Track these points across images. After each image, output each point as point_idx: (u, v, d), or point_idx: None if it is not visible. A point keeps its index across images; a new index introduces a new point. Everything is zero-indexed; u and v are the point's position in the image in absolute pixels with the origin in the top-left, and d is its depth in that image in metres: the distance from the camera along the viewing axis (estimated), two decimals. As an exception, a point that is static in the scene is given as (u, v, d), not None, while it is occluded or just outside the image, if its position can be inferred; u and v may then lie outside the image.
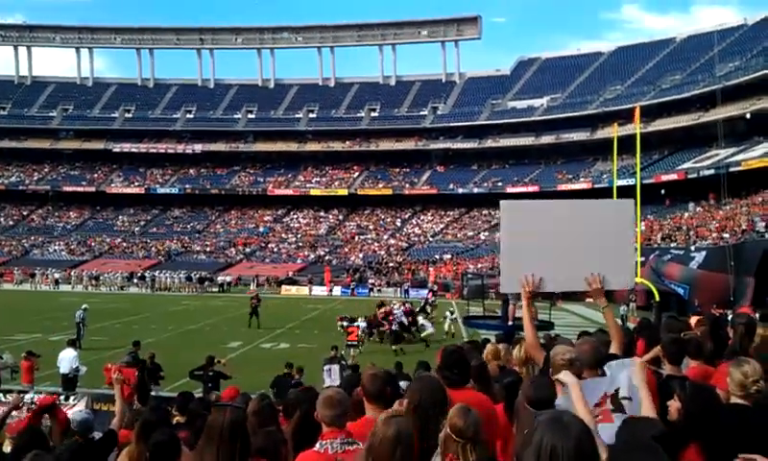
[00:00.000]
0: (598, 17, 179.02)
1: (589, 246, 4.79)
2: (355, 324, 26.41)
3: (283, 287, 57.00)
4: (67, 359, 16.88)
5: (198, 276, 59.05)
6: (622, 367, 3.90)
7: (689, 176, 55.11)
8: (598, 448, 2.21)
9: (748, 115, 53.53)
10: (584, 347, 4.67)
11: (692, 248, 38.94)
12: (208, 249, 71.18)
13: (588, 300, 31.95)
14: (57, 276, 59.76)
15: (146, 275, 60.95)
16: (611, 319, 5.07)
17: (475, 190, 70.43)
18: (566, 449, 2.08)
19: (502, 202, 5.08)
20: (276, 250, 70.36)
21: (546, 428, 2.15)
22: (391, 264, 62.43)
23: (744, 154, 52.57)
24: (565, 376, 3.82)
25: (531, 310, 4.90)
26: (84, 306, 27.31)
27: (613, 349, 4.96)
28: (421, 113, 78.38)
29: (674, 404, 3.81)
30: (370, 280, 57.40)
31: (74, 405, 13.24)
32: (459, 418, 3.35)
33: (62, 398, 14.23)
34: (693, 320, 11.99)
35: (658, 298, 28.35)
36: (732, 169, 50.96)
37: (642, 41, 76.29)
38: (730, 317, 14.28)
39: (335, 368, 17.25)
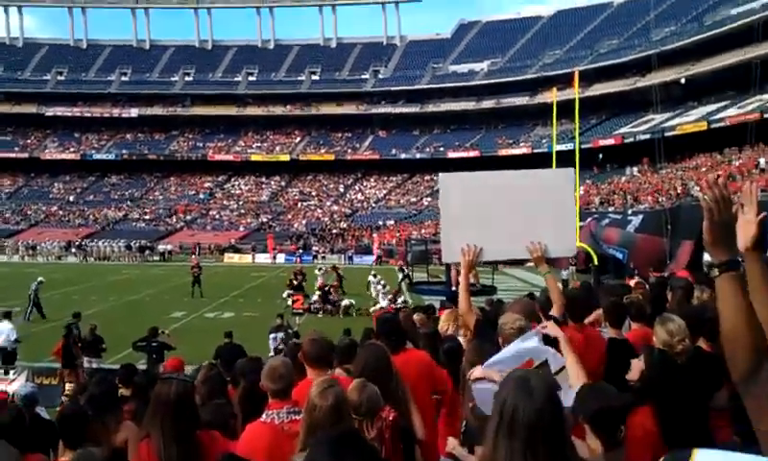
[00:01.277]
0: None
1: (530, 215, 4.86)
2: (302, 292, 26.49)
3: (226, 255, 56.49)
4: (4, 332, 16.45)
5: (137, 244, 58.04)
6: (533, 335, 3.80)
7: (626, 140, 56.28)
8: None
9: (683, 80, 54.76)
10: (515, 308, 4.80)
11: (629, 212, 39.81)
12: (148, 217, 69.90)
13: (529, 265, 32.48)
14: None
15: (84, 244, 59.65)
16: (552, 284, 5.22)
17: (417, 156, 70.59)
18: (527, 412, 2.09)
19: (441, 175, 5.21)
20: (217, 217, 69.53)
21: (512, 388, 2.17)
22: (335, 231, 62.35)
23: (679, 118, 53.86)
24: (552, 328, 3.93)
25: (468, 279, 4.99)
26: (39, 279, 26.52)
27: (554, 312, 5.12)
28: (363, 77, 77.89)
29: (638, 365, 3.91)
30: (314, 247, 57.26)
31: (14, 379, 12.98)
32: (354, 393, 3.48)
33: (1, 372, 13.93)
34: (632, 282, 12.32)
35: (596, 262, 28.99)
36: (667, 134, 52.16)
37: (580, 6, 76.99)
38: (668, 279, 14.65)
39: (280, 336, 17.32)
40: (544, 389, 2.16)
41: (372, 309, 24.71)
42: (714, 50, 51.58)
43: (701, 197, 2.23)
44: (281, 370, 3.88)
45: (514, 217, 4.85)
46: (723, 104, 50.96)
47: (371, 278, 30.63)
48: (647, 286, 10.25)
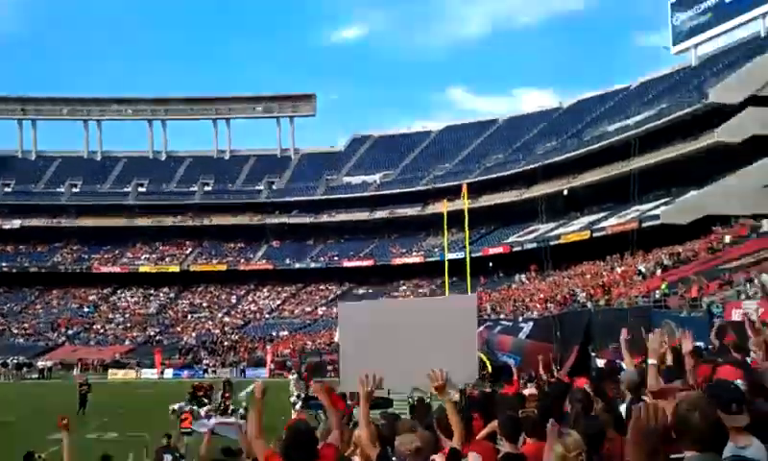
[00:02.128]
0: (426, 99, 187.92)
1: (432, 342, 4.77)
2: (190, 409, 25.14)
3: (110, 371, 53.78)
4: None
5: (15, 361, 54.59)
6: None
7: (514, 249, 57.99)
8: None
9: (566, 192, 57.26)
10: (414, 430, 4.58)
11: (520, 319, 40.61)
12: (27, 331, 66.12)
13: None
14: None
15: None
16: (452, 411, 4.96)
17: (312, 265, 70.43)
18: None
19: (340, 304, 5.28)
20: (101, 331, 66.51)
21: None
22: (226, 343, 60.64)
23: (563, 228, 56.05)
24: None
25: (367, 410, 4.73)
26: None
27: (455, 442, 4.88)
28: (257, 188, 77.84)
29: None
30: (204, 361, 55.39)
31: None
32: None
33: None
34: (527, 392, 12.25)
35: (490, 369, 29.20)
36: (552, 242, 54.15)
37: (468, 121, 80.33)
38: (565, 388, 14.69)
39: (168, 458, 16.29)
40: None
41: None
42: (594, 163, 54.38)
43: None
44: None
45: (415, 345, 4.77)
46: (604, 214, 53.46)
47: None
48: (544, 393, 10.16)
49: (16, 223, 74.43)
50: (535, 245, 56.18)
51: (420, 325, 4.84)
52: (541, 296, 46.44)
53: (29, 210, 74.70)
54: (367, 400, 4.68)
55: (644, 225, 46.00)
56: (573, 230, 54.57)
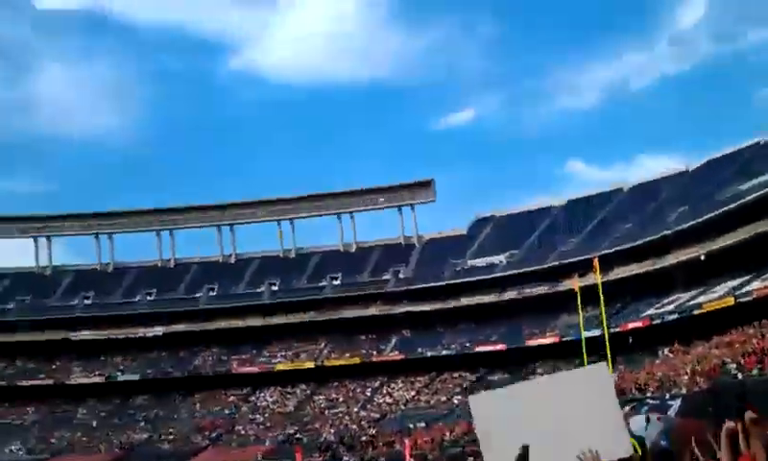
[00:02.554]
0: (545, 174, 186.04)
1: (573, 420, 4.52)
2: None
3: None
4: None
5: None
6: None
7: (654, 322, 55.51)
8: None
9: (702, 257, 54.72)
10: None
11: (667, 396, 38.56)
12: (172, 437, 68.46)
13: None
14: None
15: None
16: None
17: (443, 352, 69.86)
18: None
19: (470, 397, 4.93)
20: (242, 432, 68.00)
21: None
22: (364, 438, 60.48)
23: (704, 296, 53.37)
24: None
25: None
26: None
27: None
28: (384, 278, 78.70)
29: None
30: (344, 457, 55.36)
31: None
32: None
33: None
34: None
35: (640, 451, 27.66)
36: (694, 312, 51.56)
37: (591, 192, 78.69)
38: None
39: None
40: None
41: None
42: (731, 226, 51.95)
43: None
44: None
45: (555, 426, 4.52)
46: (747, 277, 50.63)
47: None
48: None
49: (159, 330, 78.20)
50: (676, 316, 53.66)
51: (556, 403, 4.60)
52: (688, 369, 43.95)
53: (170, 317, 78.46)
54: None
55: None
56: (716, 296, 51.86)
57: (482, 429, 4.72)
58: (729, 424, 5.20)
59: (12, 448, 68.57)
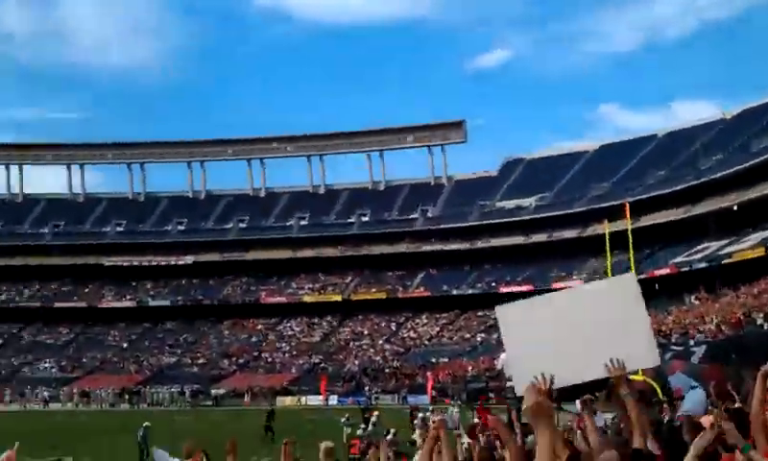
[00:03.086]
0: (578, 117, 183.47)
1: (600, 330, 4.52)
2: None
3: (278, 398, 55.97)
4: None
5: (191, 389, 58.03)
6: None
7: (682, 270, 55.29)
8: None
9: (735, 207, 54.17)
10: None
11: (691, 342, 38.61)
12: (200, 361, 70.15)
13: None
14: (46, 394, 58.60)
15: (139, 390, 59.93)
16: (633, 406, 4.63)
17: (469, 291, 70.29)
18: None
19: (497, 307, 4.84)
20: (269, 360, 69.42)
21: None
22: (387, 370, 61.56)
23: (735, 245, 52.95)
24: None
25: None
26: (145, 424, 26.50)
27: (636, 443, 4.57)
28: (412, 217, 78.95)
29: None
30: (366, 388, 56.45)
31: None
32: None
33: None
34: (705, 419, 11.60)
35: (661, 395, 27.94)
36: (723, 261, 51.27)
37: (625, 139, 77.80)
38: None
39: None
40: None
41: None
42: (764, 176, 51.20)
43: None
44: None
45: (582, 335, 4.52)
46: (779, 229, 50.12)
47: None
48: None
49: (189, 259, 79.44)
50: (704, 264, 53.40)
51: (583, 313, 4.58)
52: (714, 318, 43.93)
53: (201, 247, 79.64)
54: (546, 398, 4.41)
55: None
56: (746, 246, 51.42)
57: (508, 341, 4.73)
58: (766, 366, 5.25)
59: (46, 364, 70.75)
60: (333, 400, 54.23)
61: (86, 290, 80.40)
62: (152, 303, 78.16)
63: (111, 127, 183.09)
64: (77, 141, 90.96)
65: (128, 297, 79.12)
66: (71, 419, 43.75)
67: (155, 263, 79.99)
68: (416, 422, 28.67)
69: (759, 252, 48.78)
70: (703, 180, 57.17)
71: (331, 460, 4.94)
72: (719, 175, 55.98)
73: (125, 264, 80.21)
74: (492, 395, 41.59)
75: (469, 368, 53.60)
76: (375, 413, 31.15)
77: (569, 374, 4.58)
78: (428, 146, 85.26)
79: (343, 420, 30.83)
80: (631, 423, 4.75)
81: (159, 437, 31.92)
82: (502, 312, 4.83)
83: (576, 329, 4.54)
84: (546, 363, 4.48)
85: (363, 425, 30.15)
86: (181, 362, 70.31)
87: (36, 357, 72.39)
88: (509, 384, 16.79)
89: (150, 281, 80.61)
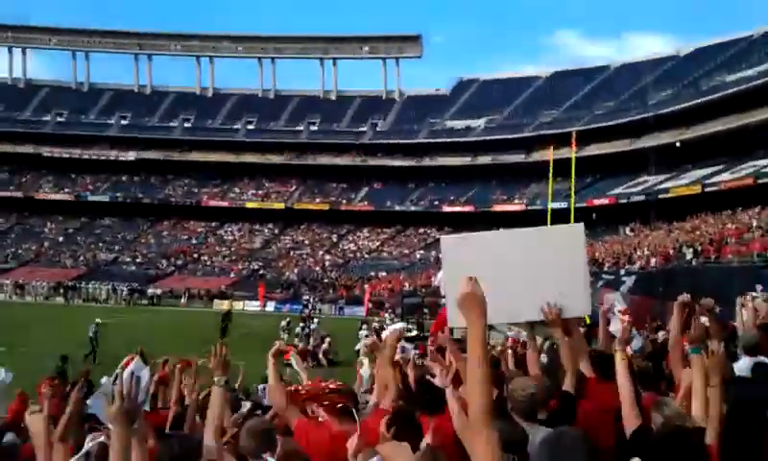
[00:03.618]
0: (534, 41, 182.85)
1: (541, 274, 4.63)
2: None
3: (215, 301, 55.97)
4: None
5: (128, 287, 57.61)
6: None
7: (620, 201, 56.40)
8: None
9: (677, 144, 55.08)
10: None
11: (622, 272, 39.61)
12: (138, 260, 69.52)
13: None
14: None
15: (75, 284, 59.22)
16: (566, 353, 4.86)
17: (412, 208, 70.68)
18: None
19: (442, 238, 4.89)
20: (208, 263, 69.18)
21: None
22: (326, 280, 62.00)
23: (673, 181, 54.08)
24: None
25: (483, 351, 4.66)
26: (97, 320, 26.27)
27: (567, 386, 4.77)
28: (361, 129, 78.35)
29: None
30: (304, 297, 56.76)
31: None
32: None
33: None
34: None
35: (588, 321, 28.76)
36: (661, 196, 52.38)
37: (578, 67, 77.91)
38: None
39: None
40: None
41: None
42: (710, 115, 52.03)
43: None
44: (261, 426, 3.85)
45: (524, 276, 4.60)
46: (717, 168, 51.22)
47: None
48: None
49: (131, 155, 77.73)
50: (642, 198, 54.51)
51: (527, 256, 4.66)
52: (646, 250, 45.09)
53: (143, 144, 77.84)
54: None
55: (760, 181, 43.81)
56: (684, 183, 52.60)
57: (449, 271, 4.76)
58: (684, 296, 5.32)
59: (-21, 254, 69.28)
60: (270, 306, 54.47)
61: (23, 180, 78.33)
62: (91, 197, 76.60)
63: (56, 12, 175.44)
64: (20, 23, 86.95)
65: (66, 189, 77.34)
66: (6, 310, 43.10)
67: (95, 157, 78.01)
68: (362, 332, 29.16)
69: (696, 189, 50.00)
70: (649, 114, 57.77)
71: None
72: (666, 111, 56.68)
73: (65, 156, 77.97)
74: (426, 311, 42.24)
75: (407, 283, 54.22)
76: (316, 320, 31.67)
77: (505, 313, 4.68)
78: (383, 58, 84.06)
79: (283, 324, 31.13)
80: (563, 364, 4.92)
81: (111, 334, 31.49)
82: (447, 243, 4.88)
83: (518, 270, 4.61)
84: (490, 297, 4.54)
85: (301, 328, 30.58)
86: (119, 260, 69.56)
87: (-31, 245, 70.79)
88: (442, 302, 17.03)
89: (90, 175, 78.76)
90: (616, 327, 5.04)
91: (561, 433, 2.94)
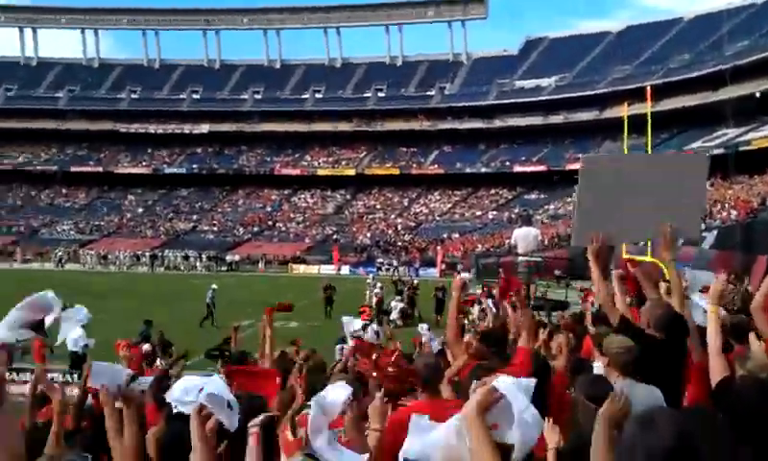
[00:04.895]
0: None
1: (663, 197, 4.86)
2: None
3: (292, 266, 57.24)
4: (74, 337, 16.83)
5: (207, 255, 59.30)
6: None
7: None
8: None
9: (757, 95, 53.37)
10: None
11: (703, 226, 38.90)
12: (216, 228, 71.37)
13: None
14: (60, 254, 59.86)
15: (156, 253, 61.26)
16: (674, 275, 4.95)
17: (482, 170, 70.43)
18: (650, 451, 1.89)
19: (582, 157, 5.25)
20: (283, 229, 70.52)
21: (633, 425, 2.01)
22: (399, 243, 62.53)
23: (753, 133, 52.52)
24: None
25: (597, 272, 4.74)
26: (213, 286, 27.47)
27: (676, 305, 4.76)
28: (429, 94, 78.20)
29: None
30: (378, 259, 57.50)
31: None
32: None
33: (71, 376, 14.21)
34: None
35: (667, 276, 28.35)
36: (741, 148, 50.97)
37: (650, 21, 75.87)
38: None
39: (347, 347, 17.02)
40: (671, 427, 1.94)
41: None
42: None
43: None
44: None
45: (647, 199, 4.84)
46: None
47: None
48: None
49: (205, 128, 79.50)
50: (721, 151, 53.08)
51: (654, 179, 4.91)
52: (727, 204, 44.13)
53: (216, 116, 79.49)
54: (596, 259, 4.70)
55: None
56: (764, 134, 51.01)
57: (584, 190, 5.03)
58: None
59: (64, 227, 72.12)
60: (345, 269, 55.39)
61: (102, 156, 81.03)
62: (167, 170, 78.89)
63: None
64: (91, 5, 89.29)
65: (143, 163, 79.77)
66: (94, 278, 45.11)
67: (170, 131, 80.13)
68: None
69: (778, 140, 48.46)
70: (726, 65, 56.01)
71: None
72: (743, 61, 54.83)
73: (141, 131, 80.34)
74: (500, 271, 42.24)
75: (479, 244, 54.30)
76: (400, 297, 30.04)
77: (626, 231, 5.11)
78: (448, 21, 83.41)
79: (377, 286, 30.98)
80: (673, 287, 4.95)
81: (224, 297, 31.94)
82: (587, 162, 5.24)
83: (644, 193, 4.88)
84: (608, 218, 4.84)
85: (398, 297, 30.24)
86: (197, 229, 71.50)
87: (54, 219, 73.72)
88: (519, 259, 17.12)
89: (165, 149, 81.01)
90: (700, 318, 4.84)
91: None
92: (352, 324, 11.20)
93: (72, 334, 16.63)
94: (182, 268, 57.82)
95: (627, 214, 4.85)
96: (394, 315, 27.93)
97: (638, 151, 49.66)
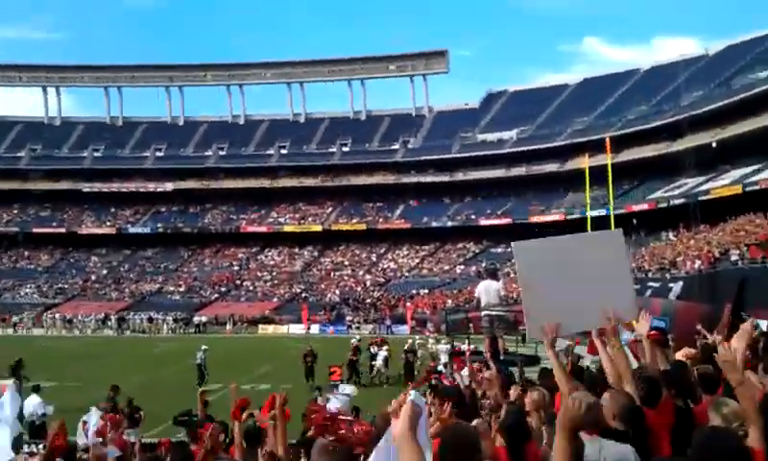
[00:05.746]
0: (560, 50, 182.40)
1: (595, 281, 4.77)
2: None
3: (260, 326, 56.65)
4: (32, 405, 16.56)
5: (173, 317, 58.52)
6: None
7: (660, 205, 56.00)
8: None
9: (714, 144, 54.63)
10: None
11: (668, 276, 39.32)
12: (182, 288, 70.53)
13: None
14: (15, 320, 58.84)
15: (123, 316, 60.33)
16: (622, 359, 4.88)
17: (449, 223, 70.85)
18: None
19: (514, 244, 5.05)
20: (251, 288, 69.95)
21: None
22: (368, 300, 62.33)
23: (712, 182, 53.60)
24: None
25: (557, 359, 4.82)
26: (203, 348, 27.08)
27: (628, 389, 4.68)
28: (393, 148, 78.84)
29: None
30: (347, 317, 57.21)
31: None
32: None
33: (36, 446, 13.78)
34: (680, 354, 12.05)
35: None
36: (701, 198, 51.94)
37: (607, 73, 77.67)
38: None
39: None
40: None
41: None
42: (745, 113, 51.58)
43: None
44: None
45: (581, 285, 4.75)
46: (756, 166, 50.70)
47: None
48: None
49: (169, 185, 79.01)
50: (682, 200, 54.06)
51: (582, 262, 4.79)
52: (691, 254, 44.76)
53: (180, 173, 79.13)
54: (551, 347, 4.71)
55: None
56: (724, 184, 52.06)
57: (526, 279, 4.91)
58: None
59: (27, 290, 70.74)
60: (315, 328, 54.93)
61: (65, 215, 79.99)
62: (132, 229, 78.06)
63: (87, 50, 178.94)
64: (52, 63, 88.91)
65: (108, 223, 78.86)
66: (59, 344, 44.27)
67: (133, 189, 79.48)
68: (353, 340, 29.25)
69: (736, 189, 49.46)
70: (683, 115, 57.38)
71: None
72: (700, 111, 56.19)
73: (104, 189, 79.61)
74: (470, 326, 42.21)
75: (449, 299, 54.33)
76: (385, 347, 29.48)
77: (572, 322, 4.89)
78: (410, 76, 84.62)
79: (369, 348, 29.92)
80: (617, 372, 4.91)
81: (146, 361, 32.13)
82: (519, 249, 5.04)
83: (578, 278, 4.78)
84: (554, 307, 4.72)
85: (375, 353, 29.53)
86: (163, 290, 70.61)
87: (17, 283, 72.29)
88: (483, 313, 17.21)
89: (129, 208, 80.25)
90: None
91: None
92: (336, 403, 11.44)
93: (29, 402, 16.34)
94: (147, 331, 56.93)
95: (568, 303, 4.75)
96: (379, 363, 27.85)
97: (601, 202, 50.27)
